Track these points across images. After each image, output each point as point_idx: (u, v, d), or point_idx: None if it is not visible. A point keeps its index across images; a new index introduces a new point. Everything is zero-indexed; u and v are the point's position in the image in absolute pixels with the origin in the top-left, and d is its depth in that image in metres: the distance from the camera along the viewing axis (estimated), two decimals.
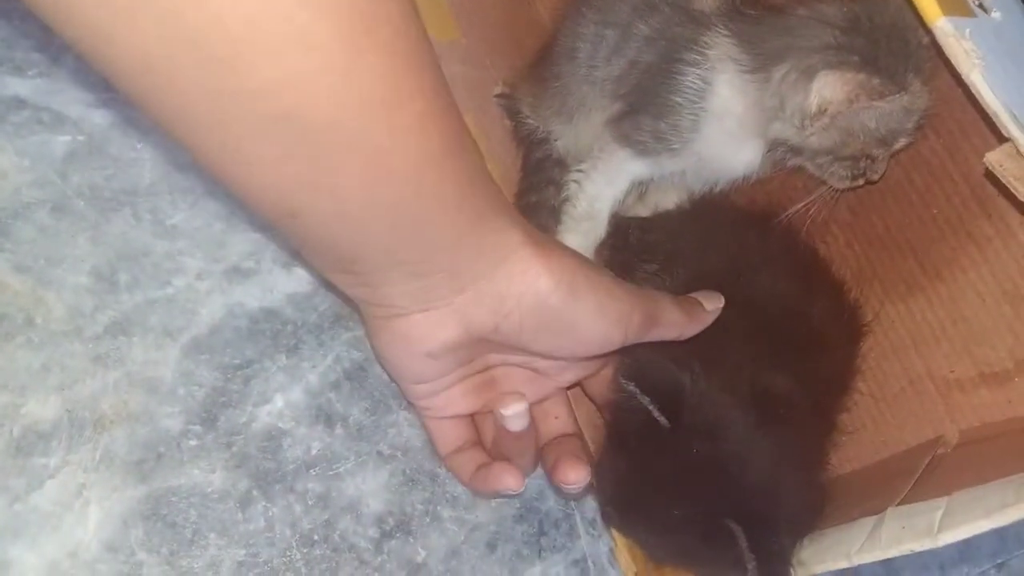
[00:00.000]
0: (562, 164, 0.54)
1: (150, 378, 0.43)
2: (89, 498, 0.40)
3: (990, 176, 0.33)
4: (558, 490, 0.48)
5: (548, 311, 0.36)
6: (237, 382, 0.45)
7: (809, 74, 0.41)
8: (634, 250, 0.52)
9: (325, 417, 0.46)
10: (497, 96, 0.57)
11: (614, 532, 0.50)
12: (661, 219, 0.54)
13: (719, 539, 0.39)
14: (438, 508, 0.47)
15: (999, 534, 0.62)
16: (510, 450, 0.42)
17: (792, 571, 0.40)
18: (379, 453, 0.47)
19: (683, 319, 0.41)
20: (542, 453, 0.44)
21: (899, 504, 0.40)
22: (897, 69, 0.41)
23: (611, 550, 0.51)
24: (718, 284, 0.45)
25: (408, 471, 0.47)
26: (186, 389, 0.44)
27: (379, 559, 0.45)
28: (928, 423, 0.46)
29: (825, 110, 0.41)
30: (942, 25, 0.32)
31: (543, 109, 0.54)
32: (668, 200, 0.54)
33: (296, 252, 0.45)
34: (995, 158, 0.32)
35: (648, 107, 0.47)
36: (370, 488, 0.46)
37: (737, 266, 0.47)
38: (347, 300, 0.40)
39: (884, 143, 0.44)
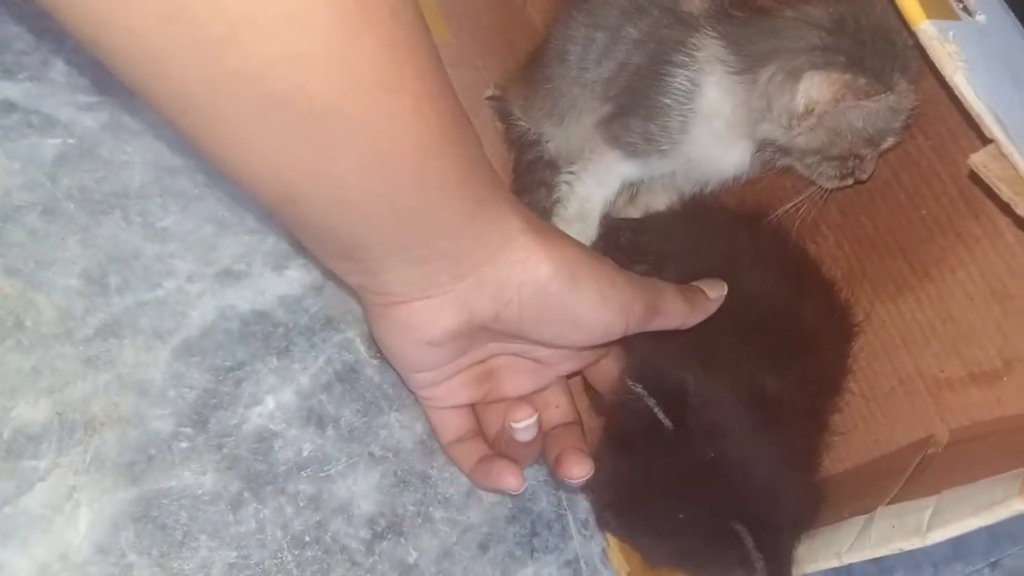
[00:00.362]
0: (553, 166, 0.54)
1: (141, 380, 0.43)
2: (80, 500, 0.40)
3: (975, 177, 0.33)
4: (560, 483, 0.47)
5: (548, 298, 0.36)
6: (228, 384, 0.45)
7: (796, 75, 0.41)
8: (625, 251, 0.52)
9: (316, 419, 0.46)
10: (488, 98, 0.57)
11: (606, 533, 0.50)
12: (652, 220, 0.54)
13: (724, 540, 0.39)
14: (430, 509, 0.47)
15: (992, 532, 0.62)
16: (517, 453, 0.42)
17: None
18: (370, 454, 0.47)
19: (685, 308, 0.41)
20: (544, 442, 0.43)
21: (889, 503, 0.40)
22: (883, 69, 0.41)
23: (603, 551, 0.51)
24: None
25: (400, 472, 0.47)
26: (177, 391, 0.44)
27: (371, 560, 0.45)
28: (918, 422, 0.46)
29: (812, 110, 0.41)
30: (926, 28, 0.32)
31: (534, 111, 0.54)
32: (659, 201, 0.54)
33: (296, 241, 0.44)
34: (979, 159, 0.32)
35: (637, 109, 0.47)
36: (361, 489, 0.46)
37: (728, 267, 0.47)
38: (347, 290, 0.39)
39: (872, 143, 0.44)
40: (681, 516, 0.40)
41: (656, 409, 0.39)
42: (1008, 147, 0.32)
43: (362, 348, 0.48)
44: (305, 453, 0.45)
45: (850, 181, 0.45)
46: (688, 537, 0.41)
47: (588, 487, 0.44)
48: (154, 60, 0.26)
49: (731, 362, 0.43)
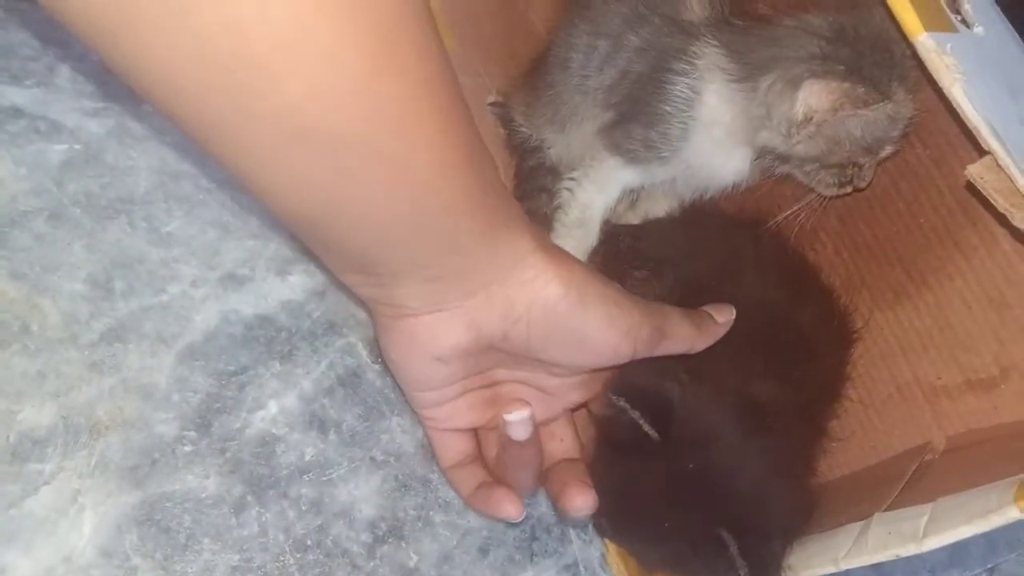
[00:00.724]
0: (554, 172, 0.54)
1: (145, 384, 0.43)
2: (84, 504, 0.41)
3: (971, 188, 0.33)
4: (563, 514, 0.48)
5: (557, 318, 0.36)
6: (231, 388, 0.45)
7: (795, 83, 0.42)
8: (625, 257, 0.53)
9: (319, 423, 0.46)
10: (491, 105, 0.58)
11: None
12: (652, 226, 0.54)
13: (710, 547, 0.39)
14: (430, 513, 0.47)
15: (989, 538, 0.62)
16: (513, 462, 0.42)
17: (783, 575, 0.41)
18: (372, 459, 0.47)
19: (693, 333, 0.41)
20: (546, 476, 0.43)
21: (886, 510, 0.40)
22: (881, 78, 0.41)
23: (603, 555, 0.51)
24: (707, 291, 0.46)
25: (401, 476, 0.47)
26: (181, 395, 0.44)
27: (372, 564, 0.45)
28: (916, 429, 0.46)
29: (811, 118, 0.41)
30: (924, 40, 0.32)
31: (536, 118, 0.54)
32: (659, 208, 0.55)
33: (305, 249, 0.44)
34: (976, 171, 0.33)
35: (638, 116, 0.47)
36: (363, 493, 0.46)
37: (727, 273, 0.48)
38: (350, 296, 0.40)
39: (870, 151, 0.44)
40: (667, 524, 0.41)
41: (641, 421, 0.40)
42: (1004, 159, 0.32)
43: (364, 353, 0.49)
44: (307, 457, 0.46)
45: (849, 189, 0.46)
46: (676, 544, 0.41)
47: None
48: (187, 99, 0.27)
49: (721, 370, 0.43)
